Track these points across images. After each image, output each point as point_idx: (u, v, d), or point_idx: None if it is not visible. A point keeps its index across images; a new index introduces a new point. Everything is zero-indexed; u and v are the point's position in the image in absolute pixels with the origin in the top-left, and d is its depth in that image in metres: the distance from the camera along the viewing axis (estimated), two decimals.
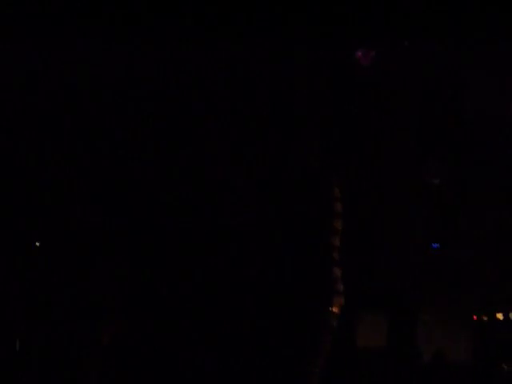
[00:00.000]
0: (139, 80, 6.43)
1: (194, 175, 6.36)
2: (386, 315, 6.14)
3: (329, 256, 3.71)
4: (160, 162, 6.41)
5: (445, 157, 6.50)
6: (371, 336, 6.15)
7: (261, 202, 3.66)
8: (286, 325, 3.66)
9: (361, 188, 6.09)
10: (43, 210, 6.21)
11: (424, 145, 6.34)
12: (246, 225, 3.90)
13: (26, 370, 5.44)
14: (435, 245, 6.24)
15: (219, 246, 6.15)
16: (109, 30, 6.21)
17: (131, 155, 6.46)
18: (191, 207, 6.33)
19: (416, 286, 6.12)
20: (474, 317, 6.21)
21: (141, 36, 6.24)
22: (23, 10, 6.06)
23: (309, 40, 6.08)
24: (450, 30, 5.94)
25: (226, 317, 6.02)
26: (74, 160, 6.47)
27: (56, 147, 6.50)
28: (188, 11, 6.13)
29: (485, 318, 6.21)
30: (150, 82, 6.45)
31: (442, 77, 6.32)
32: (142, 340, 6.15)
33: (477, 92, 6.45)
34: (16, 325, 5.49)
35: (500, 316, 6.18)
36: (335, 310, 3.70)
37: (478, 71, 6.34)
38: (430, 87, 6.29)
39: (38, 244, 5.47)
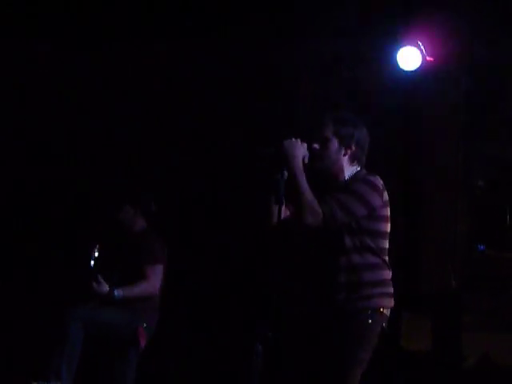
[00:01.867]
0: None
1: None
2: (430, 317, 6.11)
3: (380, 259, 3.71)
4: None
5: (490, 157, 6.46)
6: (415, 338, 6.12)
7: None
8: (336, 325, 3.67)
9: (406, 190, 6.07)
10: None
11: (469, 146, 6.30)
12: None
13: None
14: (481, 247, 6.20)
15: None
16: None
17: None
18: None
19: (461, 288, 6.09)
20: None
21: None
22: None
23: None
24: None
25: None
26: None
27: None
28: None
29: None
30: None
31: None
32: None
33: None
34: None
35: None
36: (385, 311, 3.70)
37: None
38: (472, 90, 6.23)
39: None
